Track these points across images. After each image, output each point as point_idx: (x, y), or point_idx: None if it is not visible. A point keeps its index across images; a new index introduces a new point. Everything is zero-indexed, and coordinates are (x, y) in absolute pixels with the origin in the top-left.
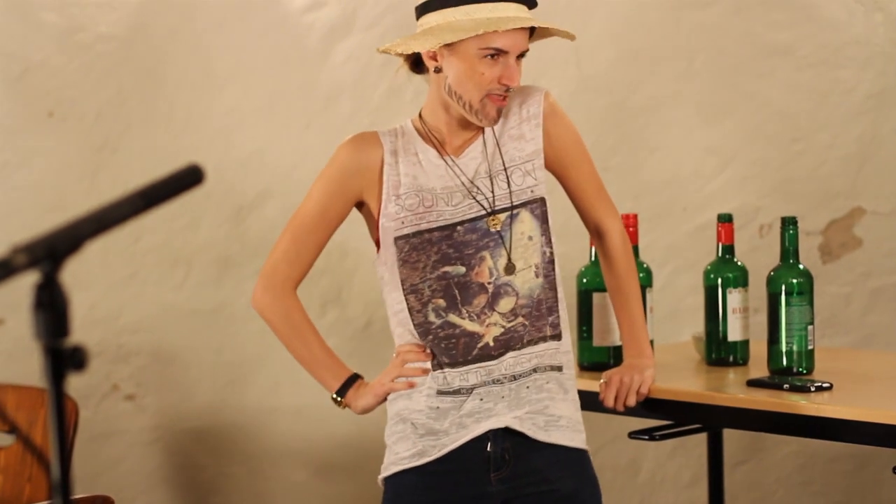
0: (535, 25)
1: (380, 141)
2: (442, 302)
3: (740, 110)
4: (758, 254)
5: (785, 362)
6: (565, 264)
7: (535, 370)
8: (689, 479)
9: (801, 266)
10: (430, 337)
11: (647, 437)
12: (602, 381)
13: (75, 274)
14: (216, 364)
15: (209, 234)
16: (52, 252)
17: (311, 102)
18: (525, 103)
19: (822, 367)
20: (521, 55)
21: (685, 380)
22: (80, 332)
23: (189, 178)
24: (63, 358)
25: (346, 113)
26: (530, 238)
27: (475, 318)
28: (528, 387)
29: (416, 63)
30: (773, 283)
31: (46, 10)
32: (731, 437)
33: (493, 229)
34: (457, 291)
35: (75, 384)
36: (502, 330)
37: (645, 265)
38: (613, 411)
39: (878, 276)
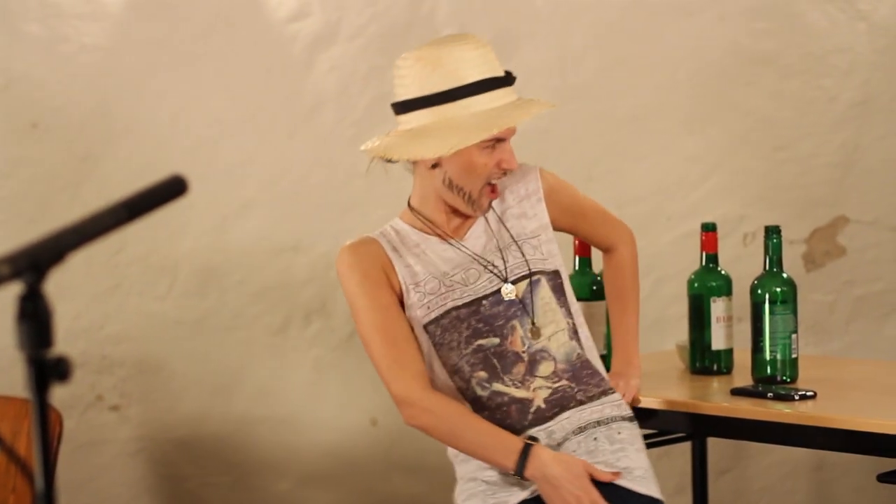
0: (531, 116)
1: (375, 240)
2: (483, 374)
3: (724, 119)
4: (742, 262)
5: (769, 371)
6: None
7: (598, 423)
8: (674, 487)
9: (784, 274)
10: (485, 412)
11: None
12: None
13: (59, 284)
14: (200, 374)
15: (193, 244)
16: (35, 263)
17: (295, 112)
18: (521, 181)
19: (805, 376)
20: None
21: (669, 388)
22: (64, 342)
23: (172, 189)
24: (47, 368)
25: (330, 122)
26: (554, 304)
27: (519, 384)
28: (595, 438)
29: None
30: (756, 292)
31: (29, 21)
32: (715, 445)
33: (513, 298)
34: (495, 361)
35: (59, 395)
36: (550, 391)
37: None
38: None
39: (862, 285)
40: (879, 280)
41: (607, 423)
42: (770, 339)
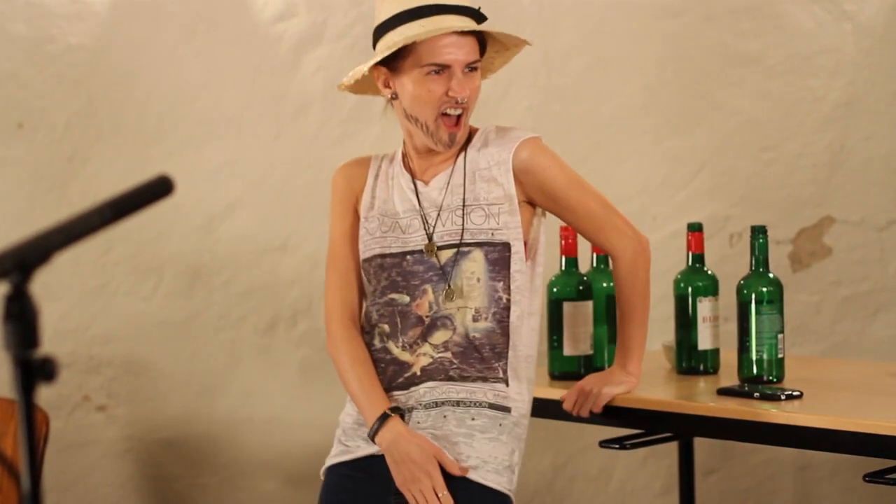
0: (453, 29)
1: (369, 163)
2: (386, 328)
3: (710, 119)
4: (728, 263)
5: (755, 371)
6: None
7: (458, 403)
8: (661, 487)
9: (771, 275)
10: (374, 359)
11: (618, 446)
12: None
13: (45, 285)
14: (187, 374)
15: (180, 244)
16: (21, 263)
17: (281, 112)
18: (501, 146)
19: (792, 376)
20: (474, 67)
21: (656, 388)
22: (51, 343)
23: (159, 189)
24: (33, 369)
25: (316, 123)
26: (478, 280)
27: (408, 347)
28: (445, 416)
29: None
30: (743, 292)
31: (15, 20)
32: (701, 445)
33: (434, 261)
34: (399, 319)
35: (46, 395)
36: (430, 360)
37: None
38: (577, 419)
39: (848, 285)
40: (865, 280)
41: (466, 407)
42: (756, 339)
